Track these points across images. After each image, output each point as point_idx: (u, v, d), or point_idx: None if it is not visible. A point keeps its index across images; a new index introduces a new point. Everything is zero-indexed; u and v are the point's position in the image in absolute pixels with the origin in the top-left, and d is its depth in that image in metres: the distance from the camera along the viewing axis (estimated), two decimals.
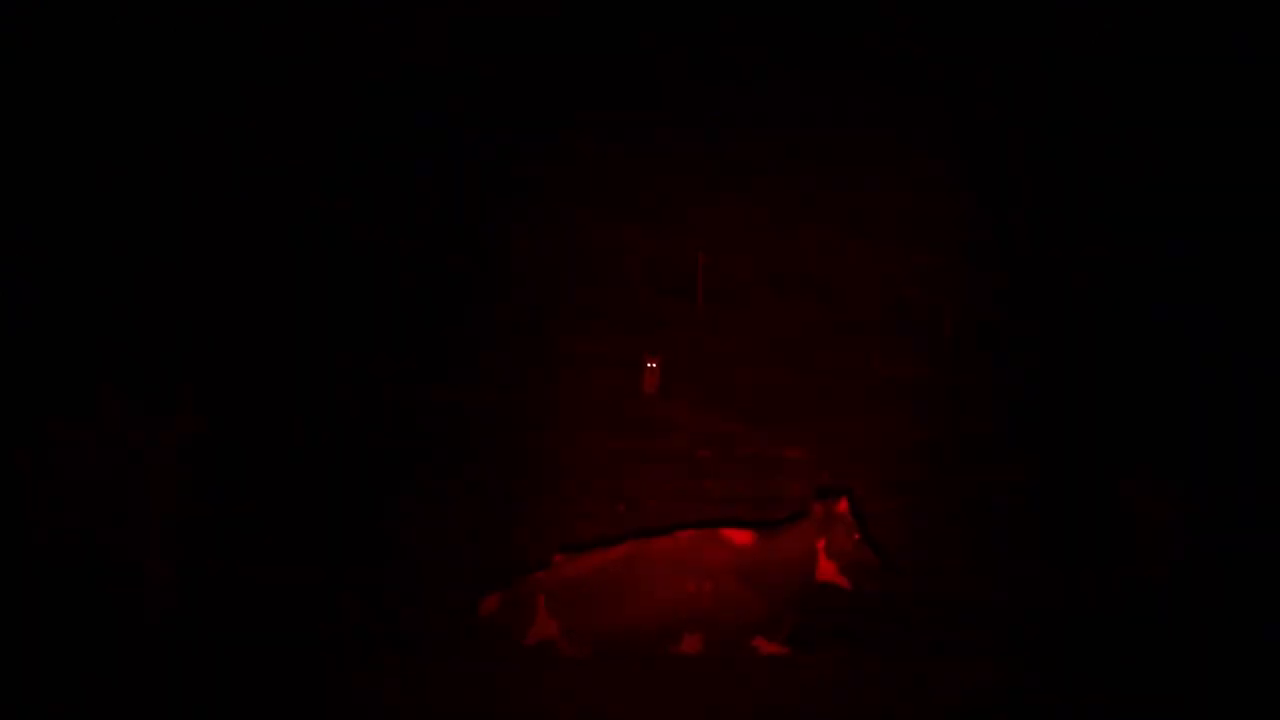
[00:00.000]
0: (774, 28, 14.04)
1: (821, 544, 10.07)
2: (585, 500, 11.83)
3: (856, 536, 10.08)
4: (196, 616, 10.65)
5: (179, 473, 11.10)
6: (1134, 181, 13.18)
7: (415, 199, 13.17)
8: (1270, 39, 13.52)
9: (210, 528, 11.18)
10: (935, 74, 13.60)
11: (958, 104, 13.53)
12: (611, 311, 12.89)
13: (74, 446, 10.84)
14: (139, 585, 10.73)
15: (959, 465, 12.17)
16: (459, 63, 14.01)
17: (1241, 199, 13.05)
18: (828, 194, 13.31)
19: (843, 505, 10.09)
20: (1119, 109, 13.54)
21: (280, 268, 12.70)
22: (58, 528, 10.73)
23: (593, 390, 12.42)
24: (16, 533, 10.74)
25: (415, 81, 13.98)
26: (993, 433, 12.34)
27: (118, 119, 12.73)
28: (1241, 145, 13.22)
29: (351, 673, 9.69)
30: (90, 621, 10.36)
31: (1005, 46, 13.69)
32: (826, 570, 10.08)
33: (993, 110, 13.48)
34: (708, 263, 13.04)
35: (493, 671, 9.64)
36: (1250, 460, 11.77)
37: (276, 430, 11.86)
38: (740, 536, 10.18)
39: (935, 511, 11.92)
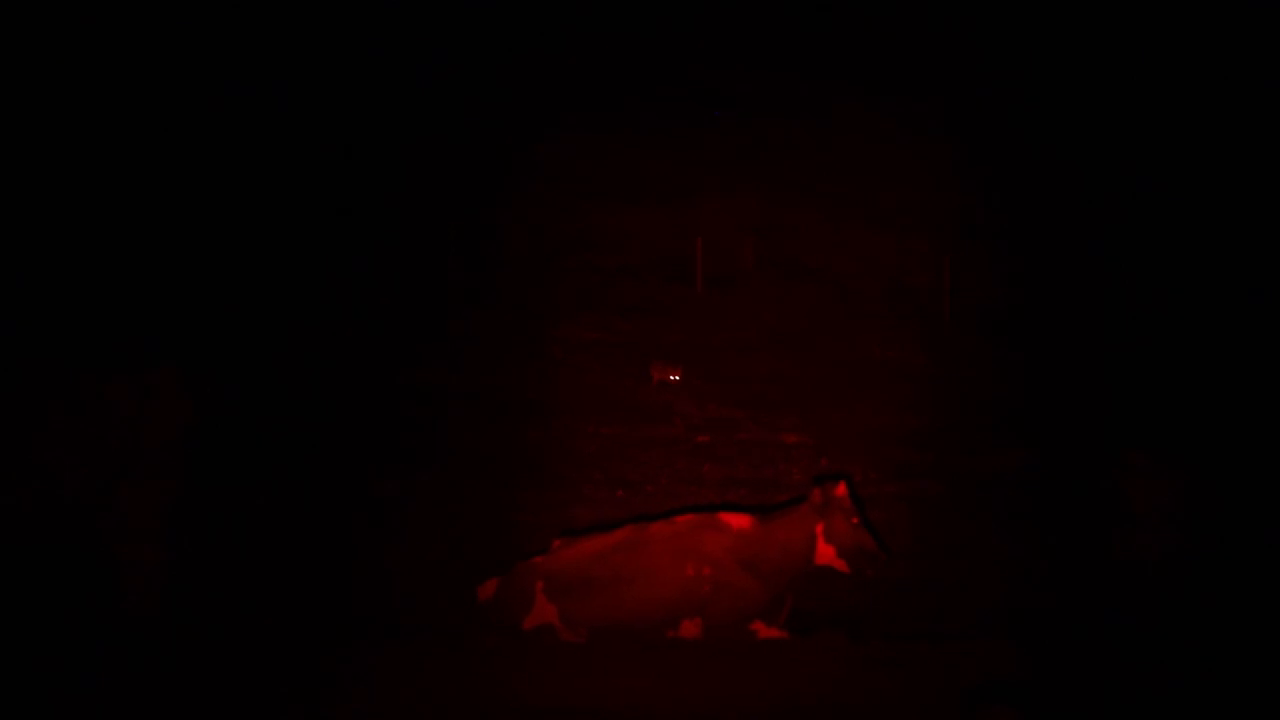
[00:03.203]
0: (776, 17, 14.17)
1: (820, 528, 10.08)
2: (584, 486, 11.72)
3: (855, 520, 10.09)
4: (187, 606, 10.52)
5: (168, 461, 11.03)
6: (1134, 171, 13.30)
7: (412, 186, 13.24)
8: (1270, 39, 13.67)
9: (200, 516, 11.02)
10: (936, 62, 13.72)
11: (957, 92, 13.65)
12: (611, 298, 12.95)
13: (60, 434, 10.61)
14: (128, 575, 10.64)
15: (957, 452, 12.17)
16: (459, 47, 14.10)
17: (1238, 190, 13.18)
18: (828, 182, 13.41)
19: (841, 489, 10.08)
20: (1117, 99, 13.68)
21: (274, 255, 12.73)
22: (46, 516, 10.50)
23: (592, 377, 12.47)
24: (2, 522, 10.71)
25: (415, 69, 14.06)
26: (991, 420, 12.36)
27: (112, 111, 12.77)
28: (1239, 141, 13.36)
29: (348, 660, 9.54)
30: (81, 614, 10.17)
31: (1005, 37, 13.84)
32: (825, 554, 10.12)
33: (992, 99, 13.60)
34: (708, 250, 13.12)
35: (491, 657, 9.59)
36: (1246, 449, 11.88)
37: (269, 418, 11.84)
38: (739, 521, 10.20)
39: (933, 498, 11.98)
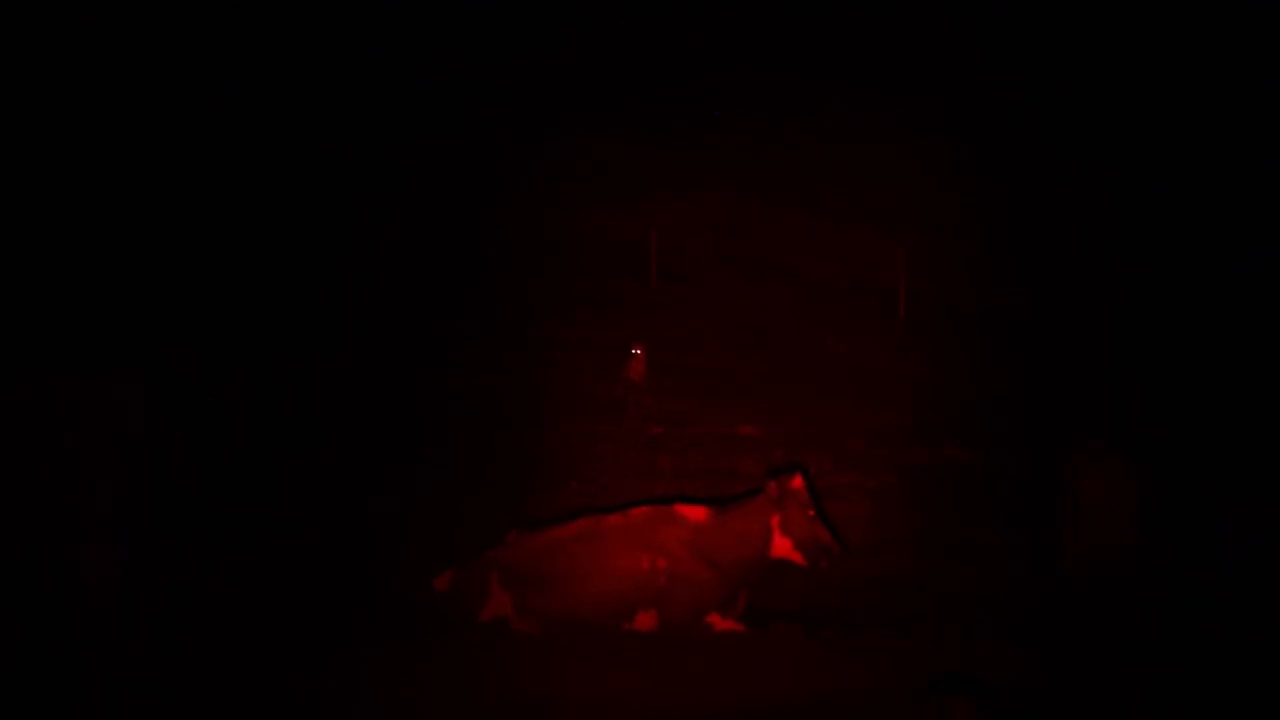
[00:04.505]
0: (743, 19, 14.18)
1: (776, 520, 10.00)
2: (539, 478, 11.79)
3: (811, 513, 10.00)
4: (143, 611, 10.31)
5: (127, 463, 10.88)
6: (1098, 172, 13.24)
7: (382, 187, 13.33)
8: (1270, 39, 13.54)
9: (184, 518, 11.07)
10: (894, 59, 13.70)
11: (918, 91, 13.62)
12: (581, 294, 12.98)
13: (22, 436, 10.44)
14: (87, 580, 10.54)
15: (915, 445, 12.14)
16: (459, 47, 14.17)
17: (1198, 194, 13.10)
18: (791, 180, 13.39)
19: (797, 481, 10.00)
20: (1093, 102, 13.62)
21: (266, 253, 12.86)
22: (9, 517, 10.30)
23: (566, 373, 12.51)
24: None
25: (415, 69, 14.15)
26: (949, 414, 12.31)
27: (102, 111, 12.93)
28: (1216, 146, 13.28)
29: (320, 654, 9.67)
30: (36, 623, 9.95)
31: (979, 37, 13.79)
32: (781, 547, 10.03)
33: (954, 97, 13.56)
34: (667, 246, 13.12)
35: (445, 649, 9.55)
36: (1202, 444, 11.77)
37: (252, 417, 11.99)
38: (694, 513, 10.15)
39: (890, 491, 11.91)
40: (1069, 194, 13.29)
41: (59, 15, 12.87)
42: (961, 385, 12.51)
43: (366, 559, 11.34)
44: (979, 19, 13.91)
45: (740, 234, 13.48)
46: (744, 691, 9.12)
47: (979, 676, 9.00)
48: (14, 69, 12.76)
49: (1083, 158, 13.36)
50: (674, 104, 14.15)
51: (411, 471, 12.04)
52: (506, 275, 13.15)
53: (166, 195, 12.99)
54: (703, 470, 11.85)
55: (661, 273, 13.05)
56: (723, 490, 11.19)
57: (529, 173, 13.67)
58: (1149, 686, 9.28)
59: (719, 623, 10.08)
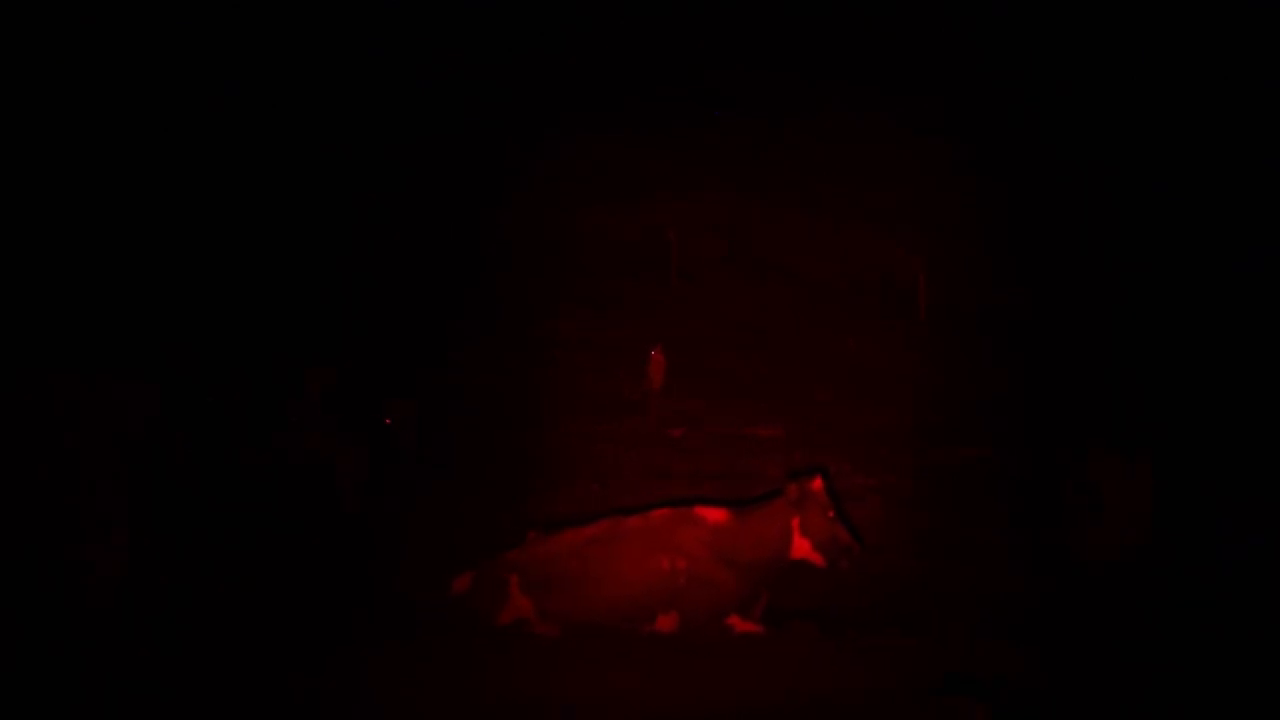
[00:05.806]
0: (743, 19, 14.18)
1: (796, 522, 9.94)
2: (559, 480, 11.67)
3: (831, 514, 9.95)
4: (143, 611, 10.28)
5: (127, 463, 10.66)
6: (1106, 175, 13.29)
7: (382, 187, 13.28)
8: (1270, 39, 13.61)
9: (185, 518, 10.97)
10: (894, 59, 13.74)
11: (926, 92, 13.65)
12: (581, 294, 12.95)
13: (22, 436, 10.39)
14: (87, 580, 10.32)
15: (930, 447, 12.13)
16: (459, 47, 14.12)
17: (1209, 196, 13.17)
18: (791, 180, 13.41)
19: (817, 484, 9.93)
20: (1086, 94, 13.67)
21: (265, 252, 12.79)
22: (13, 516, 10.28)
23: (566, 373, 12.47)
24: None
25: (415, 69, 14.09)
26: (961, 415, 12.30)
27: (102, 111, 12.82)
28: (1221, 146, 13.35)
29: (321, 654, 9.49)
30: (36, 623, 9.93)
31: (979, 37, 13.84)
32: (801, 548, 9.99)
33: (963, 98, 13.59)
34: (680, 246, 13.10)
35: (465, 650, 9.52)
36: (1211, 444, 11.81)
37: (252, 417, 11.92)
38: (714, 515, 10.07)
39: (906, 492, 11.90)
40: (1069, 194, 13.32)
41: (60, 15, 12.74)
42: (962, 385, 12.53)
43: (366, 559, 11.26)
44: (979, 19, 13.93)
45: (740, 234, 13.45)
46: (762, 691, 9.07)
47: (980, 676, 9.00)
48: (15, 69, 12.62)
49: (1083, 158, 13.38)
50: (674, 104, 14.10)
51: (411, 471, 11.96)
52: (506, 275, 13.08)
53: (167, 196, 12.86)
54: (724, 472, 11.81)
55: (662, 272, 13.01)
56: (744, 492, 11.16)
57: (529, 173, 13.60)
58: (1150, 686, 9.27)
59: (739, 624, 10.01)
